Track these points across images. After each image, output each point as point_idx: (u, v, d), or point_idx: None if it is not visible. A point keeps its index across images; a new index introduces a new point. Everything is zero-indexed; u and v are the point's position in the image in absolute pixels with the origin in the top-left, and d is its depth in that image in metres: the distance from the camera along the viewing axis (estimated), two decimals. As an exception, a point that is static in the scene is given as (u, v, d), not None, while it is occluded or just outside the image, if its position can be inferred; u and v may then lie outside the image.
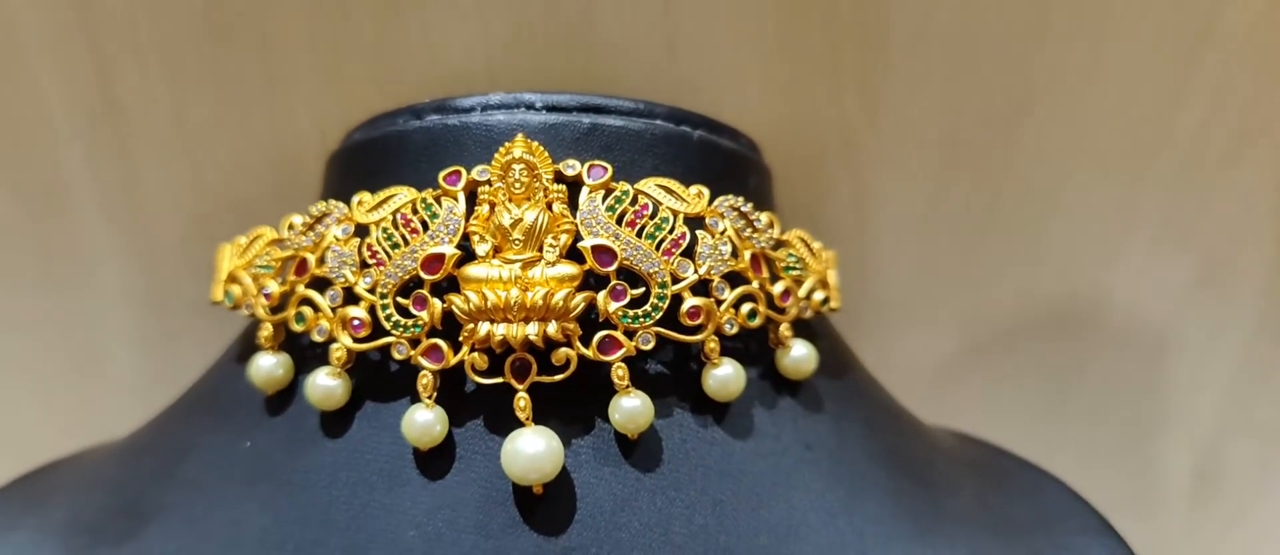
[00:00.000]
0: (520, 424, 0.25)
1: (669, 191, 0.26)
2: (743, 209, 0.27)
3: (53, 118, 0.41)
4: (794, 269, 0.28)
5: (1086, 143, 0.41)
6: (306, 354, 0.28)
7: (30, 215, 0.44)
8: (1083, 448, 0.51)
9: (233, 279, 0.29)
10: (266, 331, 0.28)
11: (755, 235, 0.27)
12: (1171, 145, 0.41)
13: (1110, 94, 0.40)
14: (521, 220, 0.25)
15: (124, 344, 0.49)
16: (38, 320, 0.48)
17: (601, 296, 0.25)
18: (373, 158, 0.29)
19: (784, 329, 0.28)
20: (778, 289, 0.27)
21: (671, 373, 0.27)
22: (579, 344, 0.25)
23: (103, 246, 0.45)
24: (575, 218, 0.26)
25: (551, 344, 0.25)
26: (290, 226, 0.28)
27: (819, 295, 0.29)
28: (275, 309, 0.28)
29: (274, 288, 0.28)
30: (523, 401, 0.25)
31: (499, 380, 0.25)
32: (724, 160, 0.30)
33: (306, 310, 0.27)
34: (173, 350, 0.48)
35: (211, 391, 0.31)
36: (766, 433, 0.27)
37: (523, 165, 0.26)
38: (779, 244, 0.28)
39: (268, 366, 0.28)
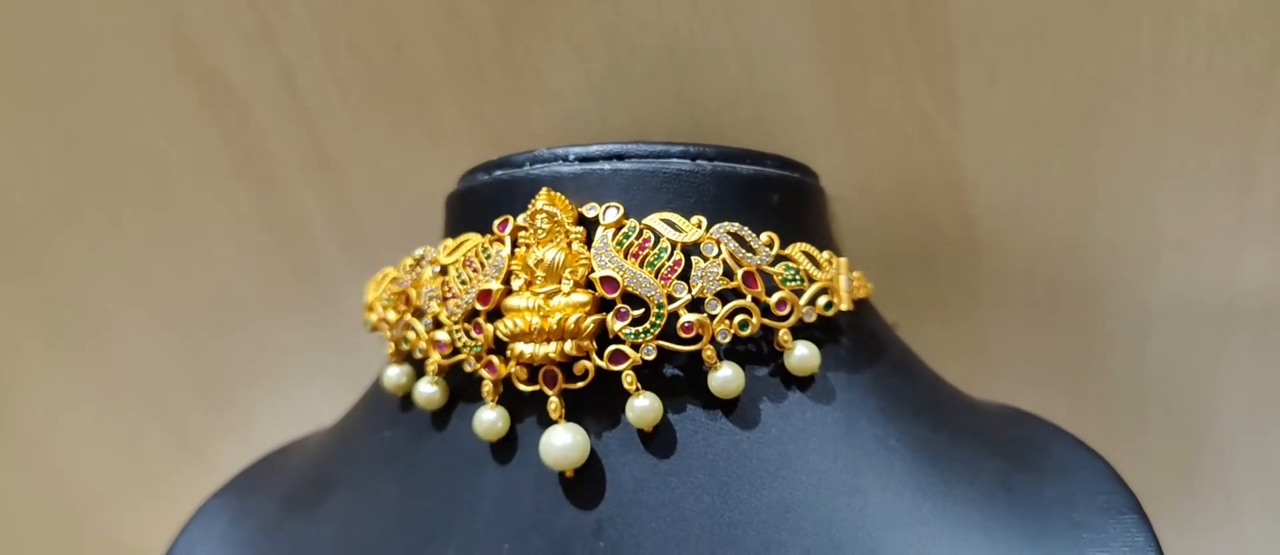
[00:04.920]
0: (554, 421, 0.31)
1: (670, 224, 0.31)
2: (739, 233, 0.31)
3: (284, 171, 0.52)
4: (792, 280, 0.32)
5: (1177, 111, 0.40)
6: (421, 366, 0.36)
7: (283, 249, 0.56)
8: (1231, 434, 0.49)
9: (370, 308, 0.38)
10: (390, 349, 0.36)
11: (751, 255, 0.31)
12: (1280, 103, 0.39)
13: (1197, 60, 0.39)
14: (543, 259, 0.31)
15: (368, 342, 0.61)
16: (308, 324, 0.61)
17: (609, 317, 0.31)
18: (461, 206, 0.36)
19: (783, 334, 0.32)
20: (774, 299, 0.31)
21: (686, 376, 0.32)
22: (595, 357, 0.31)
23: (340, 269, 0.57)
24: (590, 253, 0.31)
25: (573, 358, 0.31)
26: (404, 266, 0.36)
27: (822, 300, 0.32)
28: (395, 331, 0.36)
29: (393, 315, 0.36)
30: (555, 404, 0.31)
31: (537, 388, 0.32)
32: (742, 185, 0.34)
33: (410, 334, 0.35)
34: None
35: (376, 391, 0.40)
36: (772, 424, 0.32)
37: (545, 214, 0.32)
38: (779, 259, 0.32)
39: (393, 376, 0.36)
